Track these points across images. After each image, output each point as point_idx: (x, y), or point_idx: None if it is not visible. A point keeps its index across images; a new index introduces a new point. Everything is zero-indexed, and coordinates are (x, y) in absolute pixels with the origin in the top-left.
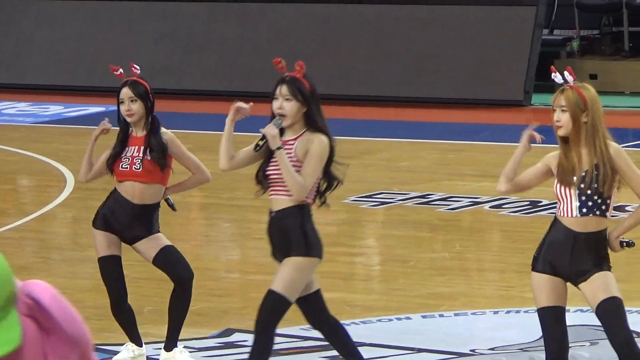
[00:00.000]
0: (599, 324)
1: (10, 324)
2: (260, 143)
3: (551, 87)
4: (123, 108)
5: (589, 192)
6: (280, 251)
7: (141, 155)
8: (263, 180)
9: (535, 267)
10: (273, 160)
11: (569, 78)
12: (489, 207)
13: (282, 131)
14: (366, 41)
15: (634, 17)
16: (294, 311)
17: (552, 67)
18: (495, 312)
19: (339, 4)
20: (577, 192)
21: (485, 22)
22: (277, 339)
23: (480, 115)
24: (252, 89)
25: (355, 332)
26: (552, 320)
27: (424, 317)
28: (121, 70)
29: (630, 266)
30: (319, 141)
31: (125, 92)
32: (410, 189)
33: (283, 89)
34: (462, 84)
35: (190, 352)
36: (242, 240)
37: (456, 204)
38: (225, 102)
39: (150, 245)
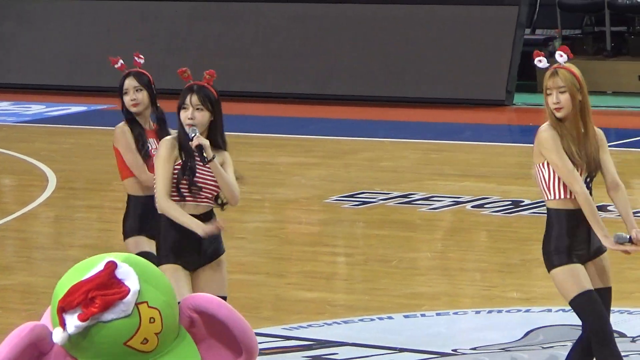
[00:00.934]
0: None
1: (188, 341)
2: (205, 155)
3: (534, 87)
4: (127, 99)
5: (588, 171)
6: (206, 257)
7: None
8: (194, 188)
9: (555, 262)
10: (200, 168)
11: (562, 59)
12: (471, 207)
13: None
14: (348, 41)
15: (616, 17)
16: (276, 310)
17: (536, 51)
18: (477, 312)
19: (321, 4)
20: (586, 173)
21: (468, 22)
22: (259, 339)
23: (463, 115)
24: (234, 89)
25: (337, 331)
26: (590, 301)
27: (405, 316)
28: (121, 61)
29: (612, 266)
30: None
31: (130, 82)
32: (392, 188)
33: (193, 99)
34: (444, 84)
35: None
36: (223, 240)
37: (438, 204)
38: None
39: None
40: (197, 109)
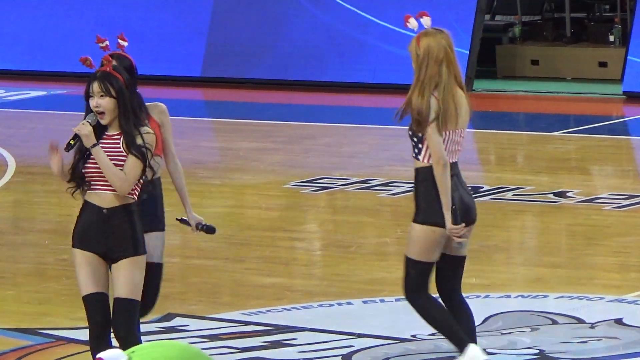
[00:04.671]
0: (541, 309)
1: None
2: (72, 142)
3: (494, 73)
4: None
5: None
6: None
7: None
8: (81, 177)
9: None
10: (92, 157)
11: (426, 24)
12: None
13: (105, 127)
14: (305, 26)
15: (575, 3)
16: (235, 296)
17: (407, 15)
18: (437, 298)
19: None
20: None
21: (427, 7)
22: (218, 324)
23: None
24: (194, 74)
25: (296, 317)
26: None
27: (365, 302)
28: (107, 42)
29: (572, 252)
30: (145, 130)
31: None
32: (351, 174)
33: (95, 86)
34: (403, 69)
35: None
36: (183, 225)
37: (397, 189)
38: (166, 86)
39: None
40: (101, 96)
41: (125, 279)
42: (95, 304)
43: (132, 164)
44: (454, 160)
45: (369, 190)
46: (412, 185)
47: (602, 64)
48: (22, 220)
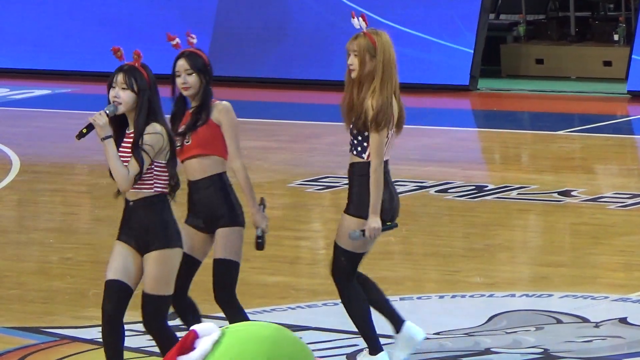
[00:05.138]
0: (546, 308)
1: None
2: (84, 131)
3: (498, 72)
4: (179, 81)
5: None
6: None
7: None
8: None
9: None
10: (120, 152)
11: (362, 24)
12: (435, 192)
13: (125, 122)
14: (310, 24)
15: (580, 2)
16: (239, 295)
17: (353, 12)
18: (441, 297)
19: None
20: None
21: (432, 6)
22: (221, 322)
23: (427, 100)
24: None
25: (300, 316)
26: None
27: None
28: (178, 40)
29: (576, 251)
30: (152, 129)
31: (181, 64)
32: None
33: (119, 77)
34: (409, 68)
35: (135, 335)
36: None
37: (402, 188)
38: (170, 85)
39: None
40: (123, 88)
41: (148, 273)
42: (108, 290)
43: (132, 162)
44: (388, 158)
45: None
46: (418, 184)
47: (607, 63)
48: (26, 219)
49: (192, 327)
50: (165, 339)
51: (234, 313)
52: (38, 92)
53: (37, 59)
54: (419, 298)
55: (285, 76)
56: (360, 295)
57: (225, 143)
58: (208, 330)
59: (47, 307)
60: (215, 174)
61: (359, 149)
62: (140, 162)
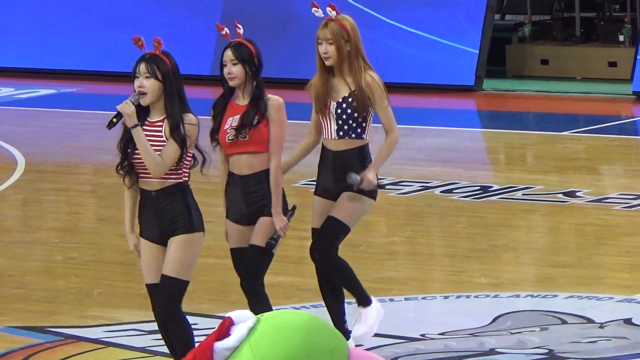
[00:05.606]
0: (551, 309)
1: None
2: (115, 120)
3: (503, 73)
4: (225, 71)
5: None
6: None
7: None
8: (130, 166)
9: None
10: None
11: (332, 13)
12: (440, 192)
13: (148, 112)
14: (315, 25)
15: (585, 3)
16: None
17: (314, 2)
18: (446, 297)
19: None
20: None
21: (437, 6)
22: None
23: (432, 100)
24: (203, 72)
25: None
26: None
27: None
28: (227, 30)
29: (581, 252)
30: (189, 120)
31: (228, 55)
32: None
33: (142, 67)
34: (414, 69)
35: (140, 334)
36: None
37: (407, 189)
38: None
39: None
40: (146, 77)
41: (170, 255)
42: (152, 294)
43: (171, 148)
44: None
45: (378, 189)
46: (423, 184)
47: (612, 64)
48: (31, 219)
49: (228, 314)
50: (177, 327)
51: (258, 301)
52: (43, 92)
53: (42, 58)
54: (423, 298)
55: (290, 76)
56: (342, 259)
57: None
58: (244, 317)
59: (52, 307)
60: (264, 170)
61: (358, 130)
62: (182, 149)
